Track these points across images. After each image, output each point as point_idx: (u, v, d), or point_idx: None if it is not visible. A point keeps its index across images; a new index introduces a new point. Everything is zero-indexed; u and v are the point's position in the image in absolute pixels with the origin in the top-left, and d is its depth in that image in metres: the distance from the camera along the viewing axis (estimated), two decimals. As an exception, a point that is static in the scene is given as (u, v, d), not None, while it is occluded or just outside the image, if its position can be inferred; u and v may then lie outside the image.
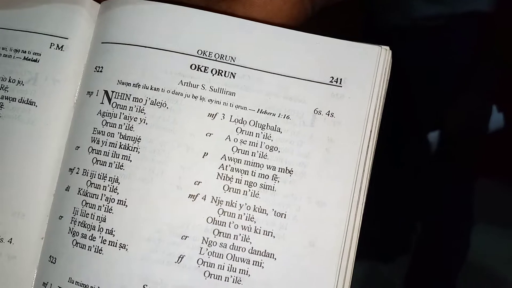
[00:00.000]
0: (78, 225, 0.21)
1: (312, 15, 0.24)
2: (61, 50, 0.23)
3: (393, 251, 0.94)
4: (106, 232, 0.21)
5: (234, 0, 0.22)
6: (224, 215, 0.21)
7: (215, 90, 0.21)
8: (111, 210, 0.21)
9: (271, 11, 0.22)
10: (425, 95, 0.76)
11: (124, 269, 0.21)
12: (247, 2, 0.22)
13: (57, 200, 0.22)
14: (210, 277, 0.21)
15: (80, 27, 0.23)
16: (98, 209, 0.21)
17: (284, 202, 0.21)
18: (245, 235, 0.21)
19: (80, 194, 0.22)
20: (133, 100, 0.22)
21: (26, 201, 0.22)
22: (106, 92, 0.22)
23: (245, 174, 0.21)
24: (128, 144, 0.21)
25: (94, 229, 0.21)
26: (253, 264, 0.21)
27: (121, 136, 0.21)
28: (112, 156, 0.21)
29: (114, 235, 0.21)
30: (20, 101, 0.23)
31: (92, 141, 0.22)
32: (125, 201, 0.21)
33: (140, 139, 0.21)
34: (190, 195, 0.21)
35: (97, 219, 0.21)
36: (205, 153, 0.21)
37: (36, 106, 0.23)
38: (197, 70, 0.22)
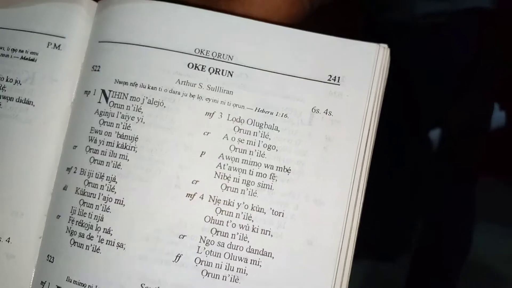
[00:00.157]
0: (76, 224, 0.21)
1: (310, 13, 0.24)
2: (58, 49, 0.23)
3: (394, 251, 0.94)
4: (103, 231, 0.21)
5: None
6: (221, 214, 0.21)
7: (212, 89, 0.21)
8: (109, 209, 0.21)
9: (270, 10, 0.22)
10: (426, 93, 0.76)
11: (122, 268, 0.21)
12: (246, 1, 0.22)
13: (54, 199, 0.22)
14: (208, 276, 0.21)
15: (77, 26, 0.23)
16: (95, 208, 0.21)
17: (282, 200, 0.21)
18: (243, 234, 0.21)
19: (78, 193, 0.22)
20: (130, 99, 0.22)
21: (24, 200, 0.22)
22: (103, 91, 0.22)
23: (242, 173, 0.21)
24: (126, 143, 0.21)
25: (92, 228, 0.21)
26: (250, 263, 0.21)
27: (119, 135, 0.21)
28: (109, 155, 0.21)
29: (111, 234, 0.21)
30: (17, 100, 0.23)
31: (89, 140, 0.22)
32: (122, 200, 0.21)
33: (137, 138, 0.21)
34: (187, 194, 0.21)
35: (94, 218, 0.21)
36: (202, 152, 0.21)
37: (34, 105, 0.23)
38: (195, 69, 0.22)
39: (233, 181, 0.21)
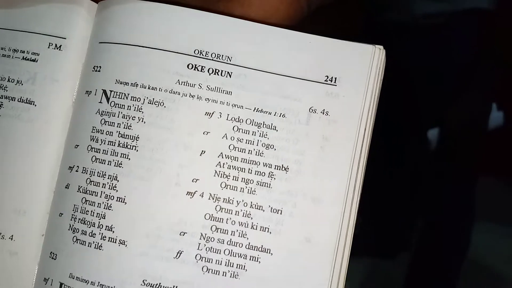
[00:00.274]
0: (78, 222, 0.22)
1: (308, 14, 0.25)
2: (60, 50, 0.23)
3: (394, 249, 0.95)
4: (105, 229, 0.21)
5: (232, 0, 0.23)
6: (221, 211, 0.21)
7: (212, 89, 0.22)
8: (111, 207, 0.21)
9: (268, 11, 0.23)
10: (426, 93, 0.76)
11: (123, 264, 0.21)
12: (245, 2, 0.23)
13: (57, 197, 0.23)
14: (208, 272, 0.21)
15: (78, 27, 0.23)
16: (97, 206, 0.22)
17: (280, 198, 0.21)
18: (242, 231, 0.21)
19: (80, 192, 0.22)
20: (131, 99, 0.22)
21: (26, 198, 0.23)
22: (104, 91, 0.22)
23: (242, 171, 0.22)
24: (127, 142, 0.22)
25: (94, 226, 0.22)
26: (250, 259, 0.21)
27: (120, 135, 0.22)
28: (111, 155, 0.22)
29: (113, 231, 0.21)
30: (19, 100, 0.23)
31: (91, 140, 0.22)
32: (124, 199, 0.21)
33: (138, 138, 0.22)
34: (188, 192, 0.21)
35: (96, 216, 0.22)
36: (202, 151, 0.22)
37: (35, 105, 0.23)
38: (194, 69, 0.22)
39: (233, 179, 0.22)
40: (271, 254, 0.21)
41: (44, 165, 0.23)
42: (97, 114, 0.22)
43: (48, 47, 0.23)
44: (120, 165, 0.22)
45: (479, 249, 0.83)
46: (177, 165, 0.21)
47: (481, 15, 0.70)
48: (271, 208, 0.21)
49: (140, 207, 0.21)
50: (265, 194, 0.21)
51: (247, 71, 0.22)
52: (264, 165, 0.22)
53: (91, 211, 0.22)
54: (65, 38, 0.23)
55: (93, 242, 0.21)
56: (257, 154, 0.22)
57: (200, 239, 0.21)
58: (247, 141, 0.22)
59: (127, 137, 0.22)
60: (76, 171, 0.22)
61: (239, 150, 0.22)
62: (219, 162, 0.22)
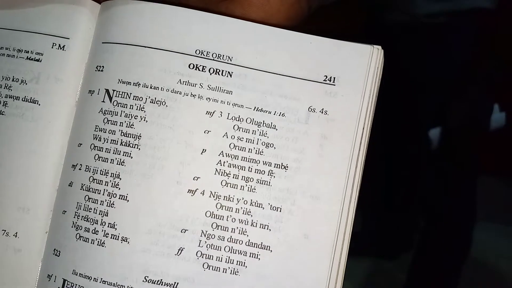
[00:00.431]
0: (81, 219, 0.22)
1: (309, 14, 0.25)
2: (63, 50, 0.24)
3: (396, 250, 0.95)
4: (108, 226, 0.22)
5: (233, 1, 0.23)
6: (222, 209, 0.22)
7: (212, 89, 0.22)
8: (113, 204, 0.22)
9: (269, 12, 0.23)
10: (426, 92, 0.76)
11: (126, 261, 0.22)
12: (246, 4, 0.23)
13: (60, 195, 0.23)
14: (209, 269, 0.22)
15: (81, 28, 0.24)
16: (100, 204, 0.22)
17: (280, 196, 0.22)
18: (242, 228, 0.22)
19: (83, 190, 0.22)
20: (133, 99, 0.22)
21: (30, 196, 0.23)
22: (107, 90, 0.23)
23: (242, 169, 0.22)
24: (129, 141, 0.22)
25: (97, 223, 0.22)
26: (250, 256, 0.22)
27: (122, 134, 0.22)
28: (113, 153, 0.22)
29: (116, 228, 0.22)
30: (23, 99, 0.23)
31: (94, 138, 0.22)
32: (126, 196, 0.22)
33: (140, 136, 0.22)
34: (189, 190, 0.22)
35: (99, 214, 0.22)
36: (203, 149, 0.22)
37: (39, 104, 0.23)
38: (195, 69, 0.22)
39: (233, 177, 0.22)
40: (271, 251, 0.22)
41: (47, 164, 0.23)
42: (100, 113, 0.23)
43: (52, 47, 0.24)
44: (122, 164, 0.22)
45: (479, 248, 0.83)
46: (179, 163, 0.22)
47: (482, 15, 0.70)
48: (271, 205, 0.22)
49: (142, 205, 0.22)
50: (264, 192, 0.22)
51: (247, 71, 0.22)
52: (264, 164, 0.22)
53: (94, 209, 0.22)
54: (68, 38, 0.24)
55: (96, 239, 0.22)
56: (257, 152, 0.22)
57: (201, 236, 0.22)
58: (247, 139, 0.22)
59: (129, 136, 0.22)
60: (79, 169, 0.22)
61: (240, 148, 0.22)
62: (220, 161, 0.22)
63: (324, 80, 0.22)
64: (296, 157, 0.22)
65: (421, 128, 0.82)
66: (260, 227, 0.22)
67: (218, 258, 0.22)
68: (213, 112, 0.22)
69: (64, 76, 0.23)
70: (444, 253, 0.81)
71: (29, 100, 0.23)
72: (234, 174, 0.22)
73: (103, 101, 0.23)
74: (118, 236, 0.22)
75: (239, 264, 0.22)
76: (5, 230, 0.23)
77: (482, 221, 0.82)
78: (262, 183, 0.22)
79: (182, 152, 0.22)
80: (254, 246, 0.22)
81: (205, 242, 0.22)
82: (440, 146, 0.82)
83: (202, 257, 0.22)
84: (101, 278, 0.22)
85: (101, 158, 0.22)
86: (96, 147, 0.22)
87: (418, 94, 0.76)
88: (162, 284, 0.21)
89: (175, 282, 0.21)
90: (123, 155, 0.22)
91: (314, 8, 0.25)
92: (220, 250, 0.22)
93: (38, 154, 0.23)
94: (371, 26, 0.72)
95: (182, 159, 0.22)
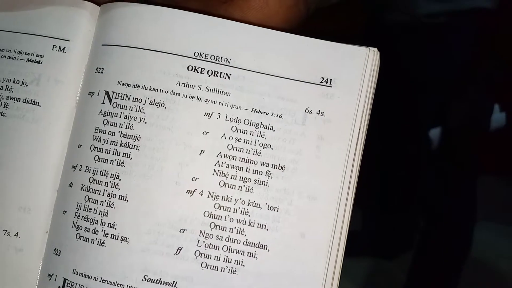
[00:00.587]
0: (81, 219, 0.22)
1: (307, 16, 0.25)
2: (63, 52, 0.24)
3: (395, 250, 0.95)
4: (108, 226, 0.22)
5: (231, 4, 0.23)
6: (220, 209, 0.22)
7: (211, 91, 0.22)
8: (113, 205, 0.22)
9: (267, 15, 0.23)
10: (426, 92, 0.76)
11: (125, 260, 0.22)
12: (245, 6, 0.23)
13: (61, 195, 0.23)
14: (207, 268, 0.22)
15: (81, 30, 0.24)
16: (100, 204, 0.22)
17: (277, 196, 0.22)
18: (240, 228, 0.22)
19: (83, 190, 0.23)
20: (132, 100, 0.23)
21: (31, 196, 0.23)
22: (106, 92, 0.23)
23: (240, 170, 0.22)
24: (129, 142, 0.22)
25: (97, 223, 0.22)
26: (247, 256, 0.22)
27: (122, 135, 0.22)
28: (113, 154, 0.22)
29: (115, 228, 0.22)
30: (24, 101, 0.24)
31: (94, 140, 0.23)
32: (126, 197, 0.22)
33: (140, 138, 0.22)
34: (187, 190, 0.22)
35: (99, 214, 0.22)
36: (202, 150, 0.22)
37: (40, 106, 0.24)
38: (194, 71, 0.23)
39: (231, 178, 0.22)
40: (268, 250, 0.22)
41: (48, 164, 0.23)
42: (100, 114, 0.23)
43: (52, 49, 0.24)
44: (122, 164, 0.22)
45: (479, 248, 0.83)
46: (177, 164, 0.22)
47: (482, 15, 0.70)
48: (268, 205, 0.22)
49: (142, 205, 0.22)
50: (262, 192, 0.22)
51: (245, 73, 0.23)
52: (261, 164, 0.22)
53: (94, 209, 0.22)
54: (68, 41, 0.24)
55: (96, 239, 0.22)
56: (254, 153, 0.22)
57: (200, 235, 0.22)
58: (245, 140, 0.22)
59: (129, 137, 0.22)
60: (80, 170, 0.23)
61: (237, 149, 0.22)
62: (218, 161, 0.22)
63: (321, 82, 0.23)
64: (293, 158, 0.22)
65: (421, 128, 0.82)
66: (257, 227, 0.22)
67: (216, 258, 0.22)
68: (211, 114, 0.22)
69: (64, 78, 0.24)
70: (444, 253, 0.81)
71: (29, 102, 0.24)
72: (232, 175, 0.22)
73: (103, 103, 0.23)
74: (118, 236, 0.22)
75: (237, 263, 0.22)
76: (6, 230, 0.23)
77: (482, 221, 0.82)
78: (260, 184, 0.22)
79: (181, 153, 0.22)
80: (251, 246, 0.22)
81: (204, 241, 0.22)
82: (440, 146, 0.82)
83: (201, 256, 0.22)
84: (101, 277, 0.22)
85: (101, 159, 0.22)
86: (96, 148, 0.23)
87: (418, 94, 0.76)
88: (161, 283, 0.22)
89: (174, 281, 0.22)
90: (122, 156, 0.22)
91: (312, 10, 0.25)
92: (218, 249, 0.22)
93: (39, 155, 0.23)
94: (371, 27, 0.72)
95: (180, 160, 0.22)
